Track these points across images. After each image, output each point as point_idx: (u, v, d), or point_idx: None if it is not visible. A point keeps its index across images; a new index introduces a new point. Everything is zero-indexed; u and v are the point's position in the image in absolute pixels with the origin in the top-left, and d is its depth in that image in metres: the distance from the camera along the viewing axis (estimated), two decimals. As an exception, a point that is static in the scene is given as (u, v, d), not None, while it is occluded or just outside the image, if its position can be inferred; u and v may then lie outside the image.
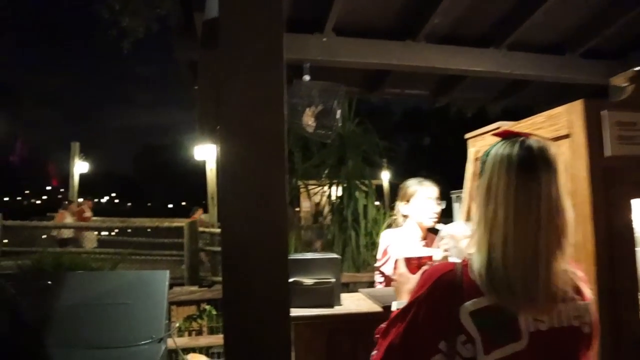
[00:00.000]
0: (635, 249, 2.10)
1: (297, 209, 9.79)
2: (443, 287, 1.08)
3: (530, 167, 1.15)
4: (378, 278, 2.78)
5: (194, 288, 6.46)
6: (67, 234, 11.90)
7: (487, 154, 1.22)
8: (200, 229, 9.54)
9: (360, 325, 1.85)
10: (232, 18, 1.37)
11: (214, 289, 7.02)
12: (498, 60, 4.21)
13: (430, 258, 1.74)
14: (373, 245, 6.01)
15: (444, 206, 2.97)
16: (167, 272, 2.03)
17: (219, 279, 8.58)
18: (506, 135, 1.22)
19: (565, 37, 4.30)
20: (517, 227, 1.10)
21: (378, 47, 4.00)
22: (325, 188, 6.76)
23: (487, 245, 1.11)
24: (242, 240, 1.37)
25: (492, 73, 4.29)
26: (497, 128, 2.81)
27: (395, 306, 1.51)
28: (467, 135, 3.14)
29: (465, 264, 1.14)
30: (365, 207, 6.26)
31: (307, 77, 3.42)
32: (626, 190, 2.08)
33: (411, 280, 1.55)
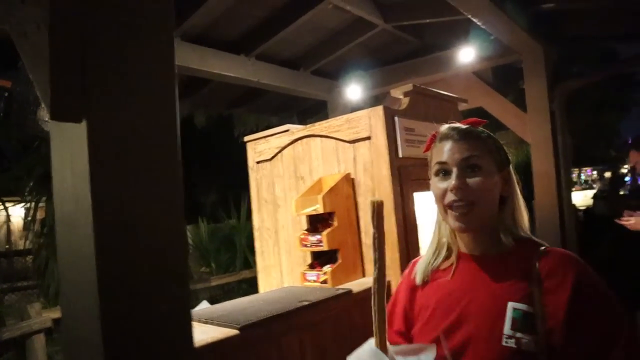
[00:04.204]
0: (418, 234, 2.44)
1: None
2: None
3: None
4: None
5: None
6: None
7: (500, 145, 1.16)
8: None
9: (219, 356, 1.54)
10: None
11: None
12: (247, 68, 4.30)
13: None
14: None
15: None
16: None
17: None
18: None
19: (302, 54, 4.73)
20: None
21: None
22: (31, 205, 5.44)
23: None
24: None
25: (242, 80, 4.35)
26: (286, 131, 2.85)
27: None
28: (247, 138, 3.08)
29: None
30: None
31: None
32: (411, 186, 2.41)
33: None
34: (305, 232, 2.44)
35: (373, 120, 2.35)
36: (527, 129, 4.25)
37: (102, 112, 0.95)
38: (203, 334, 1.60)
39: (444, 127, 1.14)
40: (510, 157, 1.16)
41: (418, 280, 1.15)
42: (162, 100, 1.03)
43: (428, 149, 1.16)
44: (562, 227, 4.17)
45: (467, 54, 4.34)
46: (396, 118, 2.38)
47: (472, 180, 1.05)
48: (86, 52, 0.92)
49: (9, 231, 9.51)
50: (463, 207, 1.04)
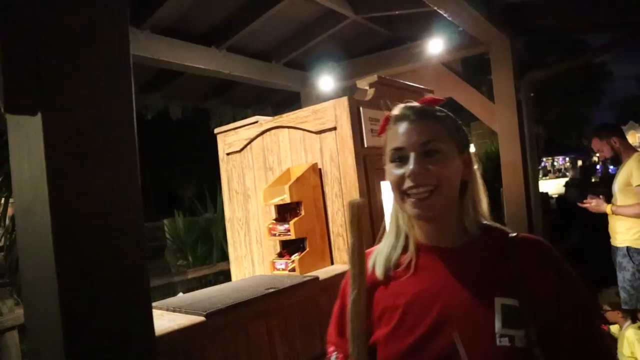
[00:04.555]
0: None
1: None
2: None
3: None
4: None
5: None
6: None
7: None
8: None
9: (186, 342, 1.59)
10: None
11: None
12: (219, 60, 4.31)
13: None
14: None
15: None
16: None
17: None
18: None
19: (274, 46, 4.75)
20: None
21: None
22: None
23: None
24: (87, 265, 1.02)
25: (213, 72, 4.35)
26: (255, 122, 2.88)
27: None
28: (217, 130, 3.10)
29: None
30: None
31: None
32: (377, 175, 2.47)
33: None
34: (274, 221, 2.49)
35: (338, 111, 2.41)
36: (495, 118, 4.36)
37: (57, 104, 0.97)
38: (171, 321, 1.64)
39: (399, 107, 1.03)
40: (469, 138, 1.07)
41: (380, 274, 1.03)
42: (117, 93, 1.06)
43: (383, 130, 1.05)
44: (529, 213, 4.31)
45: (435, 45, 4.42)
46: (361, 109, 2.43)
47: (432, 166, 0.95)
48: (39, 45, 0.94)
49: (-20, 228, 9.29)
50: (422, 193, 0.95)
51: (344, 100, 2.38)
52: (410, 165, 0.96)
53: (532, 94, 4.80)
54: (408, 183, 0.96)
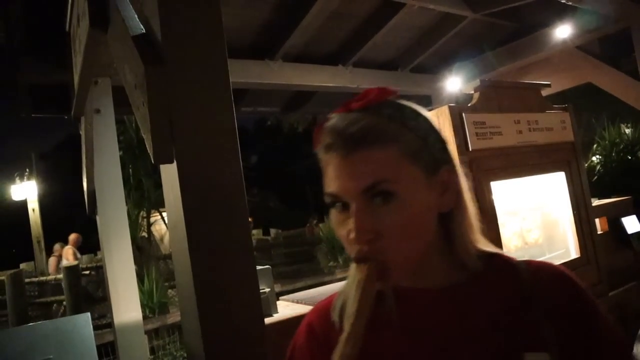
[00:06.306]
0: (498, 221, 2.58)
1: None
2: None
3: None
4: None
5: None
6: None
7: None
8: (28, 279, 8.37)
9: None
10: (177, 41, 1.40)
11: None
12: (345, 76, 4.67)
13: None
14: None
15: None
16: (88, 315, 1.83)
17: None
18: None
19: (398, 55, 4.97)
20: None
21: (237, 67, 4.11)
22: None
23: None
24: (212, 258, 1.39)
25: (341, 88, 4.73)
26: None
27: None
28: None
29: None
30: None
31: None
32: (486, 176, 2.55)
33: None
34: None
35: (441, 119, 2.55)
36: (642, 100, 3.97)
37: (186, 155, 1.38)
38: (292, 310, 2.01)
39: (326, 125, 0.71)
40: (448, 147, 0.76)
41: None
42: (225, 145, 1.44)
43: (317, 146, 0.74)
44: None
45: (567, 29, 4.18)
46: (464, 114, 2.54)
47: (385, 219, 0.66)
48: (173, 118, 1.36)
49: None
50: (375, 263, 0.67)
51: (445, 108, 2.52)
52: (352, 219, 0.67)
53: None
54: (355, 244, 0.68)
